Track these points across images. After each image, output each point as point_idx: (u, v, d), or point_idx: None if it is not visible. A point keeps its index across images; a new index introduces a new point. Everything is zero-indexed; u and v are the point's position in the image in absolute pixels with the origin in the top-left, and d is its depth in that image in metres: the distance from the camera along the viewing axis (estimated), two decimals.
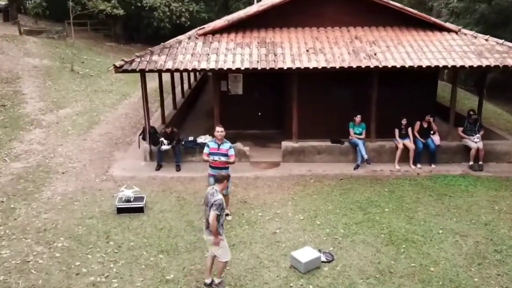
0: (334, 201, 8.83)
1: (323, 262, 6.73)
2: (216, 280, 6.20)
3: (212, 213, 5.69)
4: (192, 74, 18.13)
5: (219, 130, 7.84)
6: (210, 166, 7.95)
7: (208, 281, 6.22)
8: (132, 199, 8.32)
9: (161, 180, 9.90)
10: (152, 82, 13.36)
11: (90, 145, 12.08)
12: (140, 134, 11.50)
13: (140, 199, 8.45)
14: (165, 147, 10.46)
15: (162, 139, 10.53)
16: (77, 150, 11.65)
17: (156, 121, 12.66)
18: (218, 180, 6.14)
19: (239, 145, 10.95)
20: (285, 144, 11.07)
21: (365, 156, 10.48)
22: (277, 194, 9.22)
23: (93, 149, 11.85)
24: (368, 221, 8.02)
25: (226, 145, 7.87)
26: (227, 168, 7.86)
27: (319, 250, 6.94)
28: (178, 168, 10.51)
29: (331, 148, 10.98)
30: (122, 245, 7.21)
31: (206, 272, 6.27)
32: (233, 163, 7.95)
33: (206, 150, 7.95)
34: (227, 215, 7.98)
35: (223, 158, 7.78)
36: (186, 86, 17.03)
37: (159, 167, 10.57)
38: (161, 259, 6.84)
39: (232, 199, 8.56)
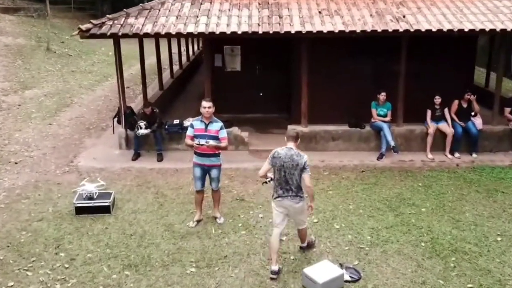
0: (355, 198, 7.64)
1: (346, 281, 5.53)
2: (304, 244, 6.08)
3: (307, 176, 5.48)
4: (184, 53, 17.04)
5: (206, 106, 6.33)
6: (195, 153, 6.50)
7: (275, 268, 5.56)
8: (95, 196, 7.07)
9: (138, 172, 8.66)
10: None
11: (56, 131, 10.90)
12: (114, 117, 10.22)
13: (106, 196, 7.18)
14: (142, 131, 9.08)
15: (139, 121, 9.13)
16: (39, 136, 10.46)
17: (139, 105, 11.34)
18: (292, 137, 5.55)
19: (236, 130, 9.64)
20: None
21: (392, 143, 9.11)
22: None
23: (58, 135, 10.65)
24: (402, 225, 6.77)
25: (216, 125, 6.41)
26: (217, 155, 6.51)
27: (341, 265, 5.80)
28: (160, 158, 9.17)
29: (349, 134, 9.72)
30: (76, 258, 5.96)
31: (274, 257, 5.60)
32: (225, 148, 6.53)
33: (189, 131, 6.49)
34: (215, 217, 6.76)
35: (211, 142, 6.31)
36: (177, 67, 15.86)
37: (136, 157, 9.21)
38: (127, 277, 5.57)
39: (225, 196, 7.43)
